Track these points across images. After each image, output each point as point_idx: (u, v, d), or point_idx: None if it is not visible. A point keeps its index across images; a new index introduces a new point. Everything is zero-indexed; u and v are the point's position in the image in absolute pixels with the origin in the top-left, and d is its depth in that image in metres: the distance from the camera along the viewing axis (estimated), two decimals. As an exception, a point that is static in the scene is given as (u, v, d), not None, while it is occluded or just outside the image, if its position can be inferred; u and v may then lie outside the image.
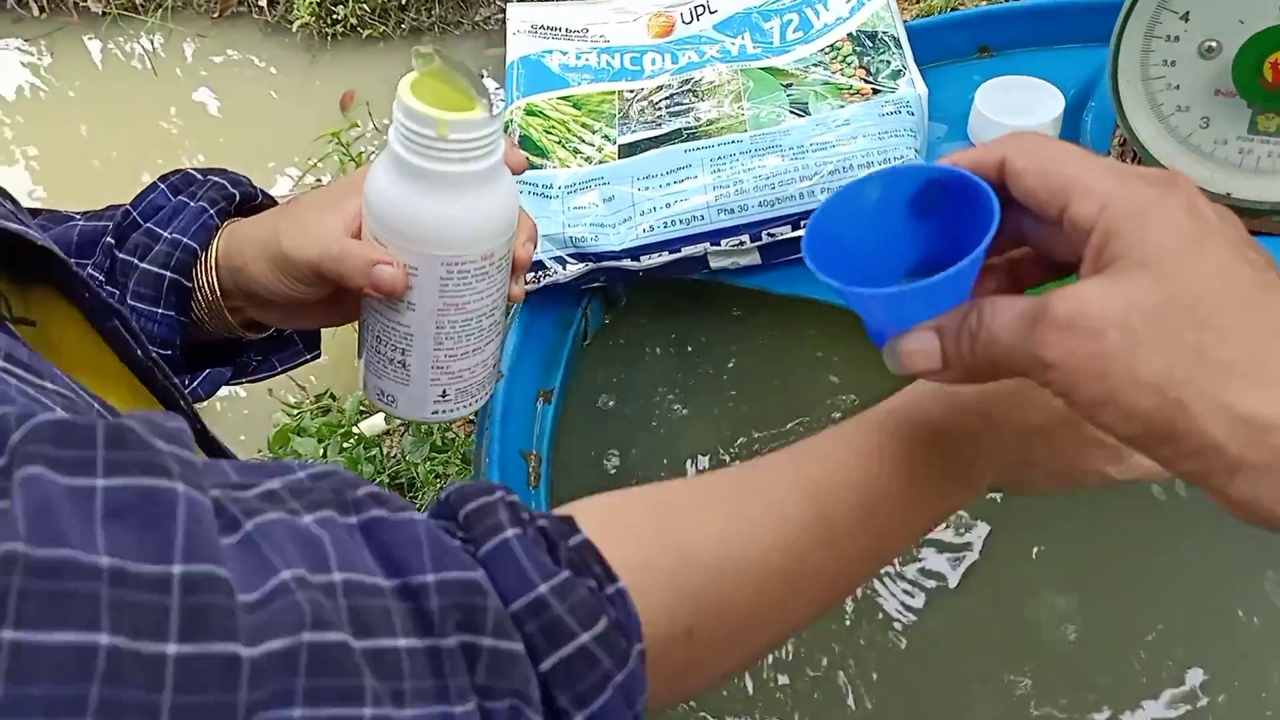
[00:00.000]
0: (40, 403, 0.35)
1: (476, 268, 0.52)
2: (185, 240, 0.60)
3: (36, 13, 2.84)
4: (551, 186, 0.78)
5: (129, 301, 0.61)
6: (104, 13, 2.80)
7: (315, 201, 0.58)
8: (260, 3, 2.72)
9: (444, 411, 0.59)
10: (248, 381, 0.72)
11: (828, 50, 0.82)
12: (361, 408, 1.79)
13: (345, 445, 1.67)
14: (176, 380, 0.53)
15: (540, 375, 0.76)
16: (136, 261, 0.61)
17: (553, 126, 0.81)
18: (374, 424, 1.75)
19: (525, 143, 0.81)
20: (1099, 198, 0.35)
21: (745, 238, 0.74)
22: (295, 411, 1.80)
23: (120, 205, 0.64)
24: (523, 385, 0.75)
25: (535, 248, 0.59)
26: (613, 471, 0.75)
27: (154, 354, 0.51)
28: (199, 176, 0.64)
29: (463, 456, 1.65)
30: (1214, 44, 0.67)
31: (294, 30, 2.67)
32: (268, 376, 0.72)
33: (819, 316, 0.76)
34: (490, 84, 0.49)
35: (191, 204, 0.62)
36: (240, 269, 0.60)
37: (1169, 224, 0.35)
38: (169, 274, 0.60)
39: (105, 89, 2.71)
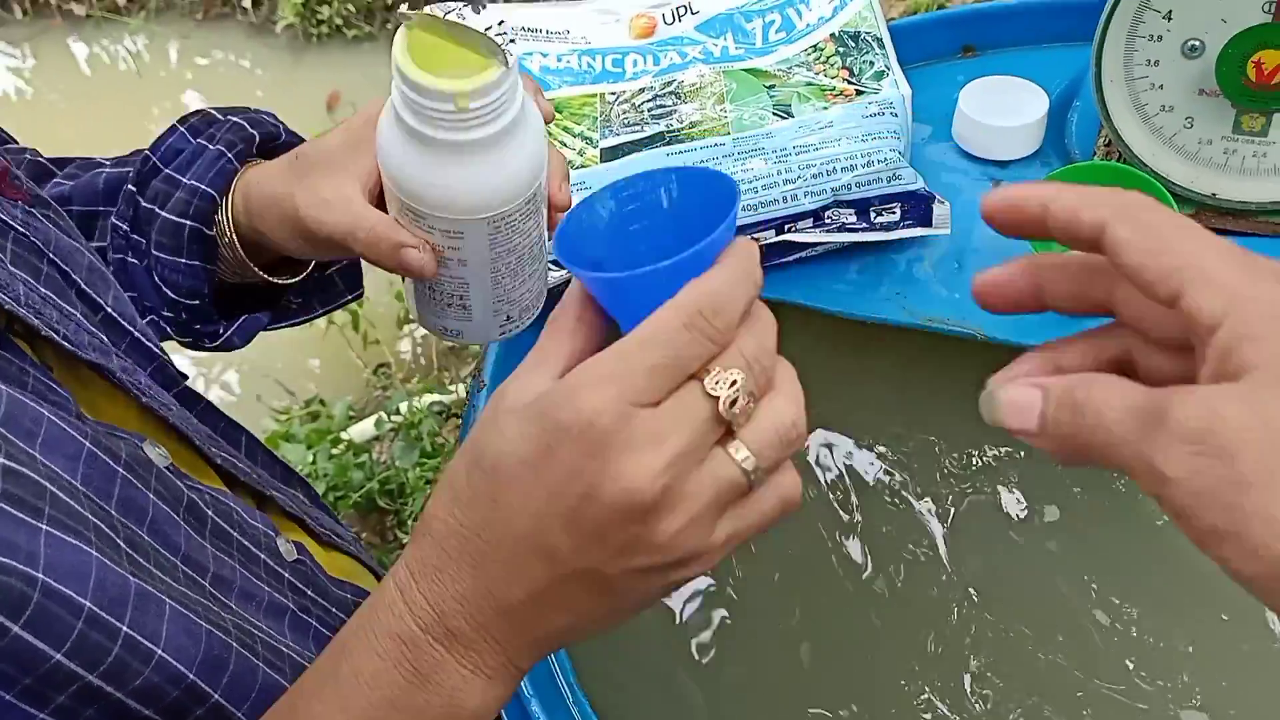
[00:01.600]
0: None
1: (521, 212, 0.50)
2: (203, 187, 0.58)
3: (19, 15, 2.82)
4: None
5: (153, 252, 0.59)
6: (87, 15, 2.79)
7: (327, 160, 0.54)
8: (245, 4, 2.70)
9: (511, 330, 0.58)
10: (287, 325, 0.69)
11: (810, 51, 0.81)
12: (350, 413, 1.78)
13: (334, 452, 1.66)
14: (184, 411, 0.53)
15: (523, 383, 0.75)
16: (158, 210, 0.59)
17: (534, 131, 0.81)
18: (363, 430, 1.74)
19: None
20: (1225, 292, 0.31)
21: (728, 242, 0.73)
22: (284, 417, 1.79)
23: (142, 150, 0.62)
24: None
25: (569, 185, 0.56)
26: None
27: (149, 389, 0.51)
28: (219, 117, 0.62)
29: (451, 460, 1.64)
30: (1197, 43, 0.67)
31: (278, 31, 2.66)
32: (310, 319, 0.69)
33: (803, 321, 0.75)
34: (480, 20, 0.45)
35: (210, 147, 0.59)
36: (262, 233, 0.58)
37: None
38: (189, 223, 0.58)
39: (89, 91, 2.70)
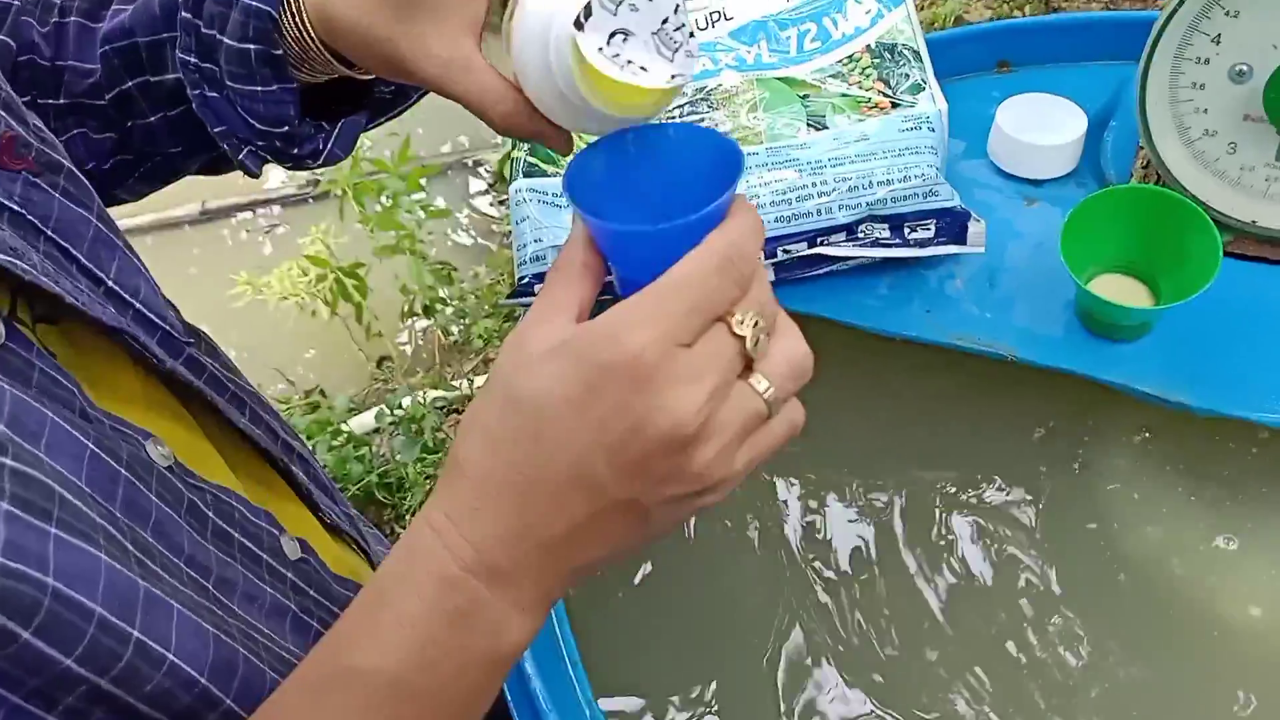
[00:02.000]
0: None
1: None
2: (255, 4, 0.52)
3: None
4: (562, 196, 0.76)
5: (228, 83, 0.54)
6: None
7: (430, 1, 0.49)
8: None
9: None
10: (386, 120, 0.65)
11: (846, 62, 0.80)
12: (351, 405, 1.77)
13: (334, 444, 1.64)
14: (199, 384, 0.52)
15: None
16: (219, 36, 0.54)
17: (563, 133, 0.79)
18: (363, 422, 1.73)
19: (537, 152, 0.79)
20: None
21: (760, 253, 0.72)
22: (284, 408, 1.78)
23: None
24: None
25: None
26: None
27: (164, 358, 0.50)
28: None
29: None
30: (1245, 68, 0.66)
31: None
32: (405, 108, 0.64)
33: (834, 334, 0.74)
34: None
35: None
36: (356, 61, 0.53)
37: None
38: (253, 46, 0.53)
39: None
